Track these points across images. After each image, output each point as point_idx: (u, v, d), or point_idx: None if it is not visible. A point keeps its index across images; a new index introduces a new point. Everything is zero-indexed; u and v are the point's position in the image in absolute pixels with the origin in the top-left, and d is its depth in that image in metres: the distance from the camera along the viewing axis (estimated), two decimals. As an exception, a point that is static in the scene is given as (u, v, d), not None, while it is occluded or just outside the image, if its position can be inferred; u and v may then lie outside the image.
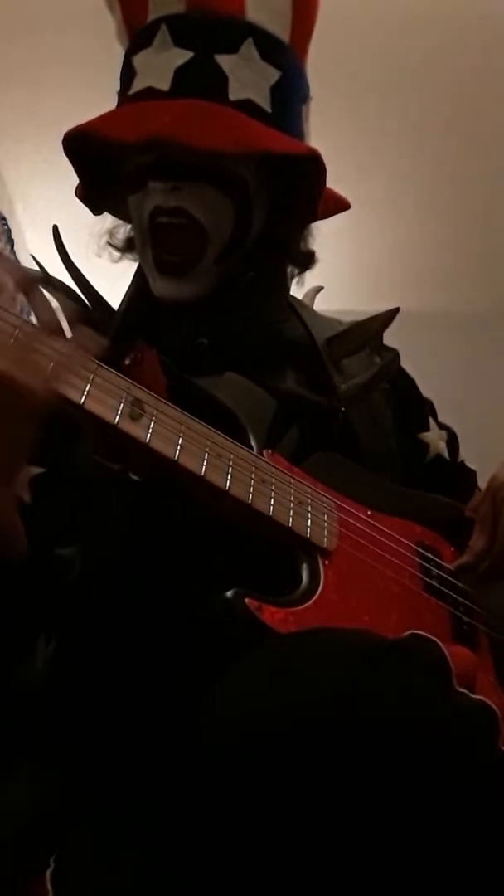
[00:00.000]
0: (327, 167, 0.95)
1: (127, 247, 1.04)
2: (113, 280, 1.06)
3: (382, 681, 0.63)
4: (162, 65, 0.91)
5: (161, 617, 0.80)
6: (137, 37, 0.96)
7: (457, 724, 0.63)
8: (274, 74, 0.93)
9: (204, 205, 0.91)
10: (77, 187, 1.02)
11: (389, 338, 1.16)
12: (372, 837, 0.58)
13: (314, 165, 0.94)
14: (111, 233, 1.05)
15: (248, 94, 0.91)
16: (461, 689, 0.68)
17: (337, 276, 2.54)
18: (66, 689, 0.81)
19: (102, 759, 0.78)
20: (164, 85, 0.90)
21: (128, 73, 0.95)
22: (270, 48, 0.94)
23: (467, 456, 1.18)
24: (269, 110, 0.92)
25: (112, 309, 1.02)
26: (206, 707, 0.65)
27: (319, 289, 1.25)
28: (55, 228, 1.01)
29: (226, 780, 0.61)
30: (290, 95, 0.96)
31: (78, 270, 1.01)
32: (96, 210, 1.04)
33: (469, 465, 1.18)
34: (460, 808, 0.59)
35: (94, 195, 1.02)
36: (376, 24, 2.36)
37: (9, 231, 2.74)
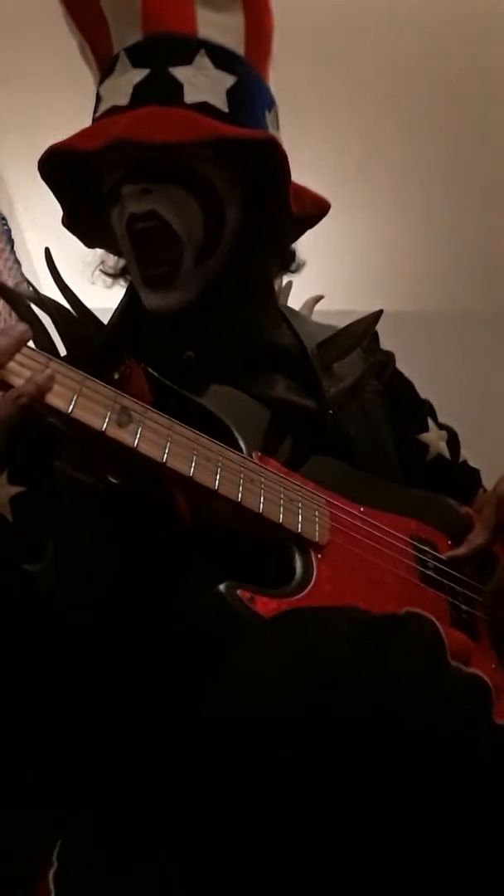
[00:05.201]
0: (327, 167, 0.96)
1: (120, 273, 1.08)
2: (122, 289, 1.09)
3: (376, 652, 0.64)
4: (122, 85, 0.95)
5: (151, 616, 0.80)
6: (104, 71, 1.00)
7: (450, 695, 0.64)
8: (229, 79, 0.96)
9: (172, 206, 0.93)
10: (63, 217, 1.05)
11: (389, 338, 1.16)
12: (370, 819, 0.59)
13: (278, 156, 0.95)
14: (103, 260, 1.09)
15: (203, 98, 0.94)
16: (455, 663, 0.69)
17: (336, 277, 2.54)
18: (64, 690, 0.81)
19: (104, 758, 0.78)
20: (124, 101, 0.94)
21: (96, 103, 1.00)
22: (224, 58, 0.97)
23: (467, 455, 1.18)
24: (226, 110, 0.94)
25: (102, 324, 1.05)
26: (208, 701, 0.66)
27: (319, 298, 1.26)
28: (47, 251, 1.04)
29: (230, 774, 0.61)
30: (249, 99, 0.98)
31: (68, 288, 1.04)
32: (87, 242, 1.08)
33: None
34: (454, 781, 0.60)
35: (80, 222, 1.05)
36: (376, 24, 2.36)
37: (9, 231, 2.74)
